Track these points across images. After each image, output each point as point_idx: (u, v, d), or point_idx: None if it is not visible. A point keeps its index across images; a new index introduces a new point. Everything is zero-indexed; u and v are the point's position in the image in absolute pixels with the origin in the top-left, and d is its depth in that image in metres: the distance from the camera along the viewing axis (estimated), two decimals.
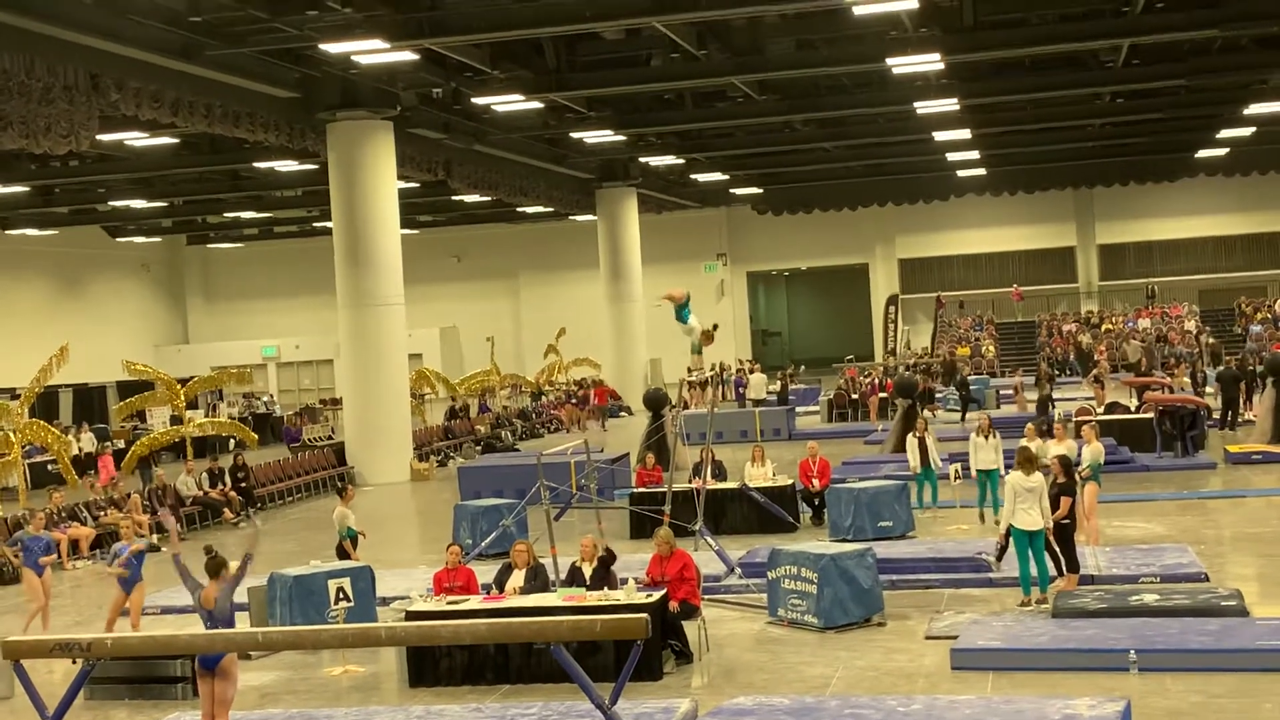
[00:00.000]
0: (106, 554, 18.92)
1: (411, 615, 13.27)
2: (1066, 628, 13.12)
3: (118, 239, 57.09)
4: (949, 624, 13.93)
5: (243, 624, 14.90)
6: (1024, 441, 17.46)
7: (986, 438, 19.88)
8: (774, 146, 43.86)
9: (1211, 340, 46.69)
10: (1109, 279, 58.83)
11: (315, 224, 53.77)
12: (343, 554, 17.33)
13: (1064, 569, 14.94)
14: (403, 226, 33.56)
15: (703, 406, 38.29)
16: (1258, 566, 16.75)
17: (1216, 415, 30.27)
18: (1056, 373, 44.13)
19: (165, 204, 47.95)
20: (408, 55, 25.79)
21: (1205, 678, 11.65)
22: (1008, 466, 16.29)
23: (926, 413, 26.13)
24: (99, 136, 26.90)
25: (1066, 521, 14.88)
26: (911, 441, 21.65)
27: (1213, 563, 16.24)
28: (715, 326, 18.53)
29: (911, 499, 20.53)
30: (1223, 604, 13.50)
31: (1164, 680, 11.69)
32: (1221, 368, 34.02)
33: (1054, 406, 31.11)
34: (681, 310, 17.23)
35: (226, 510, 26.39)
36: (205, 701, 10.76)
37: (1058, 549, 14.88)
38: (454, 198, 47.68)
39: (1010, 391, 38.51)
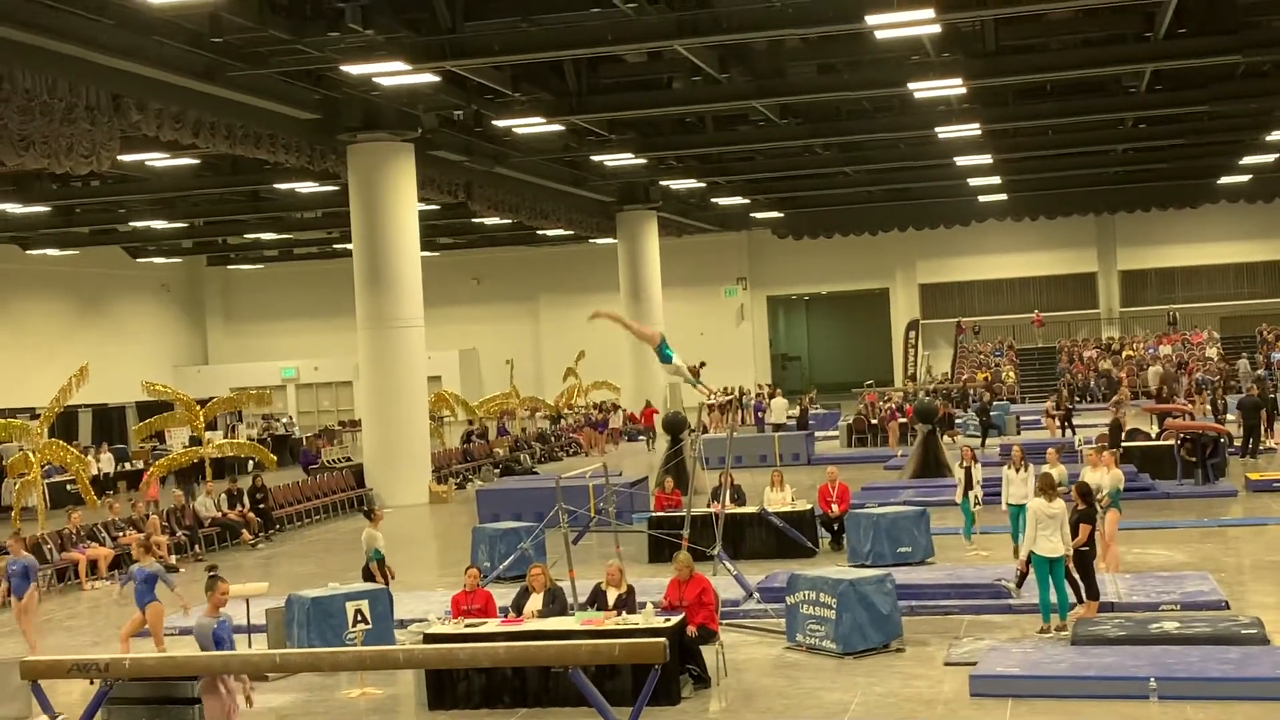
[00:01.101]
0: (124, 575, 18.97)
1: (429, 638, 13.27)
2: (1086, 655, 13.05)
3: (138, 259, 57.37)
4: (968, 650, 13.89)
5: (260, 645, 14.94)
6: (1046, 468, 17.36)
7: (1018, 470, 18.67)
8: (795, 170, 43.86)
9: (1223, 364, 46.46)
10: (1130, 305, 58.69)
11: (335, 245, 53.89)
12: (369, 576, 16.83)
13: (1084, 596, 14.85)
14: (423, 248, 33.64)
15: (722, 431, 38.20)
16: (1279, 595, 16.65)
17: (1238, 442, 30.16)
18: (1079, 399, 44.03)
19: (186, 225, 48.14)
20: (429, 77, 25.81)
21: (1225, 706, 11.59)
22: None
23: (947, 439, 25.81)
24: (120, 157, 27.00)
25: (1086, 549, 14.80)
26: (958, 472, 20.88)
27: (1233, 591, 16.18)
28: (702, 364, 18.41)
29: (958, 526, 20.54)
30: (1243, 632, 13.43)
31: (1184, 708, 11.63)
32: (1242, 394, 33.90)
33: (1075, 432, 30.93)
34: (662, 350, 17.13)
35: (245, 532, 26.41)
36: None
37: (1078, 576, 14.80)
38: (474, 220, 47.74)
39: (1039, 418, 38.22)
